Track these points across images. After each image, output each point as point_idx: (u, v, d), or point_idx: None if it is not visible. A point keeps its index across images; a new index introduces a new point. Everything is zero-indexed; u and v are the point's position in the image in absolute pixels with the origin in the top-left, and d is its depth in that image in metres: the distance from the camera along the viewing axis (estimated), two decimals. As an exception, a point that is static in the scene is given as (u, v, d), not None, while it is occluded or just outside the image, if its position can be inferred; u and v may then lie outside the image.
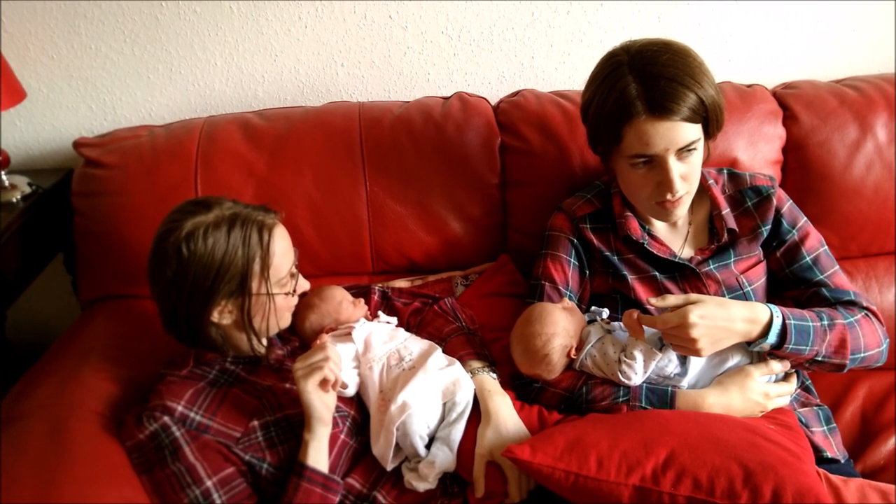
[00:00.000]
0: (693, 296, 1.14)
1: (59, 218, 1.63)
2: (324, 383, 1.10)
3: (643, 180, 1.23)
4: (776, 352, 1.18)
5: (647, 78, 1.15)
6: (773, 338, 1.15)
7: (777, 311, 1.16)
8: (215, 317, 1.14)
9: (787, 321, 1.16)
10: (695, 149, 1.19)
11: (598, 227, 1.36)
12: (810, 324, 1.18)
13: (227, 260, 1.11)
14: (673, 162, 1.18)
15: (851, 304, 1.27)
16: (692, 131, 1.17)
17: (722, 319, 1.13)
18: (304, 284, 1.24)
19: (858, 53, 1.82)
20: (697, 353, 1.13)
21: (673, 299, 1.14)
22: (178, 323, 1.16)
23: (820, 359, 1.19)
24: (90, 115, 1.75)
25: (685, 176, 1.21)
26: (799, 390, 1.33)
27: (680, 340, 1.14)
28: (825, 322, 1.20)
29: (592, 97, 1.23)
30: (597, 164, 1.47)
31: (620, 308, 1.31)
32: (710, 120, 1.19)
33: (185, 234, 1.10)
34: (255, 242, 1.13)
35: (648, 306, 1.25)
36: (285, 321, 1.24)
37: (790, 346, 1.16)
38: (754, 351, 1.21)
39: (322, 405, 1.09)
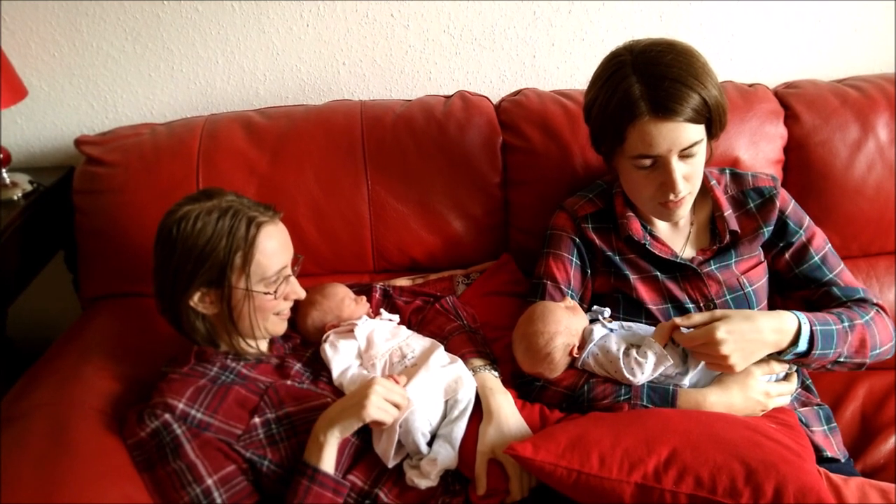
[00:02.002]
0: (718, 312, 1.14)
1: (60, 216, 1.63)
2: (378, 422, 1.10)
3: (646, 181, 1.22)
4: (802, 359, 1.18)
5: (650, 78, 1.15)
6: (803, 345, 1.16)
7: (804, 319, 1.16)
8: (195, 303, 1.15)
9: (814, 328, 1.16)
10: (698, 149, 1.19)
11: (600, 226, 1.36)
12: (833, 327, 1.19)
13: (209, 247, 1.12)
14: (676, 162, 1.18)
15: (863, 302, 1.28)
16: (695, 132, 1.17)
17: (750, 332, 1.12)
18: (297, 291, 1.22)
19: (860, 53, 1.82)
20: (731, 368, 1.13)
21: (698, 317, 1.14)
22: (164, 303, 1.18)
23: (842, 360, 1.20)
24: (91, 112, 1.75)
25: (688, 176, 1.21)
26: (799, 390, 1.33)
27: (711, 358, 1.14)
28: (846, 324, 1.21)
29: (596, 97, 1.23)
30: (599, 164, 1.47)
31: (622, 307, 1.32)
32: (713, 120, 1.19)
33: (178, 217, 1.14)
34: (241, 236, 1.14)
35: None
36: (274, 325, 1.22)
37: (817, 352, 1.16)
38: (784, 360, 1.20)
39: (359, 426, 1.09)
